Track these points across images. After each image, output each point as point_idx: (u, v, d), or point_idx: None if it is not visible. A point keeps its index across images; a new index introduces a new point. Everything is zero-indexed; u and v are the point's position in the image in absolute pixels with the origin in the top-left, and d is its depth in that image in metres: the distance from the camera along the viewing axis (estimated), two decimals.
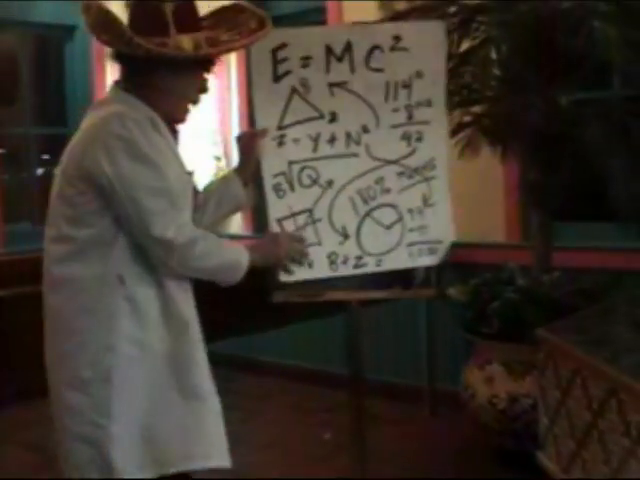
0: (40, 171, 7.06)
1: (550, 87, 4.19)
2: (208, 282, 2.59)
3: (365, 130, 3.49)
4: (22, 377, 3.20)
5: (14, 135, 6.89)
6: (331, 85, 3.44)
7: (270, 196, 3.34)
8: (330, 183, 3.47)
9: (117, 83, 2.54)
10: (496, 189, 5.24)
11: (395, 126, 3.51)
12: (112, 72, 6.59)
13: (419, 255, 3.56)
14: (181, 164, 2.59)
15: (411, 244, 3.56)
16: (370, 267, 3.50)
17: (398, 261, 3.55)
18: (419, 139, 3.53)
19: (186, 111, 2.59)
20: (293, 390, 6.05)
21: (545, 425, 3.17)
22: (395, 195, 3.54)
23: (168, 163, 2.44)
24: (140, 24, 2.40)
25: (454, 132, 4.41)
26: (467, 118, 4.45)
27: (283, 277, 3.34)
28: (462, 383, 4.52)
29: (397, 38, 3.47)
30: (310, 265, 3.35)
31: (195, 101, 2.59)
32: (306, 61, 3.42)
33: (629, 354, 2.78)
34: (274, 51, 3.38)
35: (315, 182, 3.46)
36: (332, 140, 3.47)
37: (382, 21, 4.33)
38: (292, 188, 3.40)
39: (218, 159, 6.68)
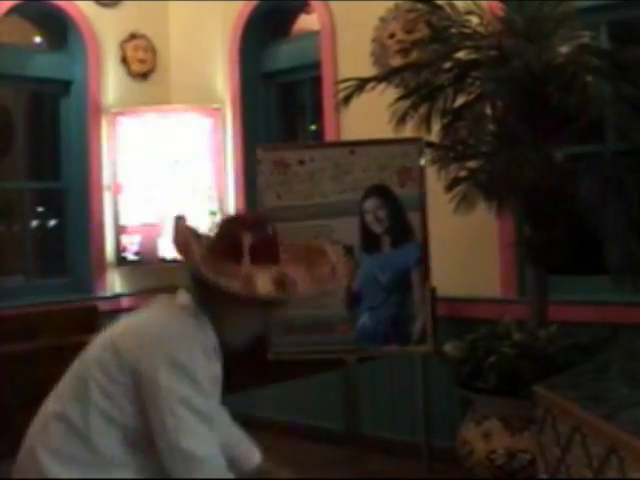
0: (34, 224, 7.03)
1: (545, 142, 4.21)
2: None
3: None
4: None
5: (8, 189, 6.85)
6: None
7: None
8: None
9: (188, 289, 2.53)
10: (492, 244, 5.24)
11: None
12: (107, 127, 6.63)
13: None
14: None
15: None
16: None
17: None
18: None
19: (244, 342, 2.58)
20: (290, 447, 5.99)
21: None
22: None
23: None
24: (218, 246, 2.43)
25: (449, 187, 4.43)
26: (462, 173, 4.46)
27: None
28: (459, 439, 4.48)
29: None
30: None
31: (255, 334, 2.60)
32: None
33: (628, 410, 2.75)
34: None
35: None
36: None
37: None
38: None
39: (214, 214, 6.68)
